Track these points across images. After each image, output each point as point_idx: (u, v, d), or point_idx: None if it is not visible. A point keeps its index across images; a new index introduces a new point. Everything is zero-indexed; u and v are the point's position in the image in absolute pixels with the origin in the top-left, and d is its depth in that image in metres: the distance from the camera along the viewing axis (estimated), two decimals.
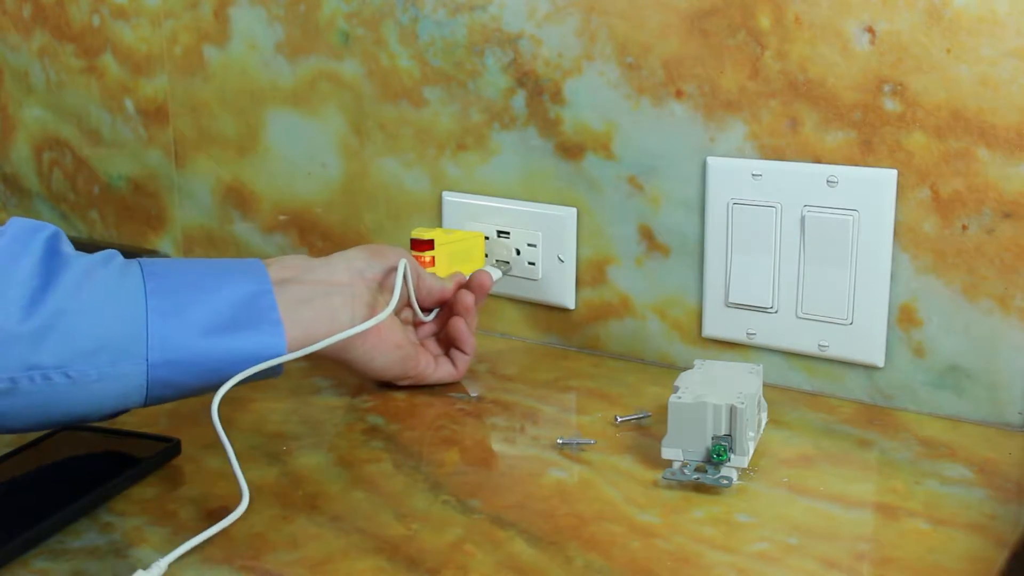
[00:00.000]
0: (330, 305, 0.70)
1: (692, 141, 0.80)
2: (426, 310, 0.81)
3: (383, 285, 0.74)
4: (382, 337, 0.74)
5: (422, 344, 0.81)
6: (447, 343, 0.82)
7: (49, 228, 0.63)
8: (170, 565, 0.55)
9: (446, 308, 0.82)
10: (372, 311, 0.72)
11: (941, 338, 0.74)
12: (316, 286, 0.70)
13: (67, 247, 0.64)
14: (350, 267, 0.73)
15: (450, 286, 0.81)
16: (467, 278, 0.82)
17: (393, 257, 0.76)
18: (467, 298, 0.80)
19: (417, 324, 0.81)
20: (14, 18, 1.20)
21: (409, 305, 0.78)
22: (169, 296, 0.63)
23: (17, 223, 0.63)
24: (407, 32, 0.92)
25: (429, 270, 0.81)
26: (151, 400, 0.63)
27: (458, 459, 0.70)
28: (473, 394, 0.80)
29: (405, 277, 0.75)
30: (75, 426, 0.69)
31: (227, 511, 0.62)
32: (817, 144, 0.75)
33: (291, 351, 0.66)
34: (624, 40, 0.82)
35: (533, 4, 0.85)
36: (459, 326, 0.80)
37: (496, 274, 0.86)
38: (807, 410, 0.76)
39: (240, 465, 0.68)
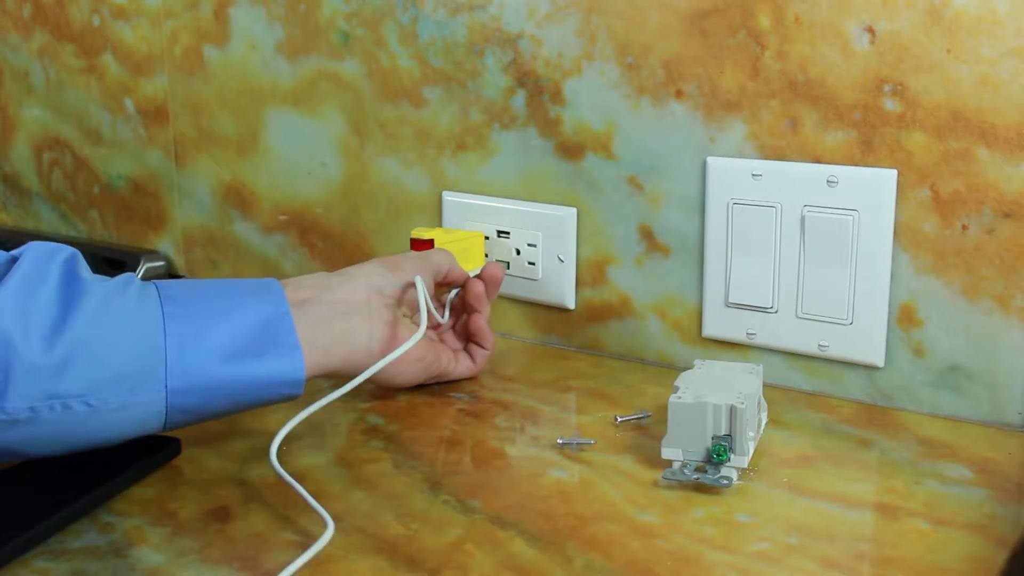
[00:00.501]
0: (349, 326, 0.70)
1: (692, 141, 0.80)
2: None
3: (401, 300, 0.74)
4: (402, 357, 0.73)
5: (441, 340, 0.82)
6: (465, 336, 0.83)
7: (65, 251, 0.62)
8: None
9: (460, 301, 0.82)
10: (391, 328, 0.72)
11: (941, 338, 0.73)
12: (334, 306, 0.70)
13: (84, 271, 0.63)
14: (369, 284, 0.72)
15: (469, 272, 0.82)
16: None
17: (410, 270, 0.75)
18: (477, 286, 0.81)
19: (435, 326, 0.82)
20: (14, 18, 1.20)
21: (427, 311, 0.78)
22: (187, 321, 0.62)
23: (34, 248, 0.62)
24: (407, 32, 0.92)
25: None
26: (170, 425, 0.63)
27: (458, 459, 0.70)
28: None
29: (426, 297, 0.74)
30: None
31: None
32: (817, 144, 0.75)
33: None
34: (624, 40, 0.82)
35: (533, 4, 0.85)
36: (479, 322, 0.81)
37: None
38: (807, 410, 0.76)
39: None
